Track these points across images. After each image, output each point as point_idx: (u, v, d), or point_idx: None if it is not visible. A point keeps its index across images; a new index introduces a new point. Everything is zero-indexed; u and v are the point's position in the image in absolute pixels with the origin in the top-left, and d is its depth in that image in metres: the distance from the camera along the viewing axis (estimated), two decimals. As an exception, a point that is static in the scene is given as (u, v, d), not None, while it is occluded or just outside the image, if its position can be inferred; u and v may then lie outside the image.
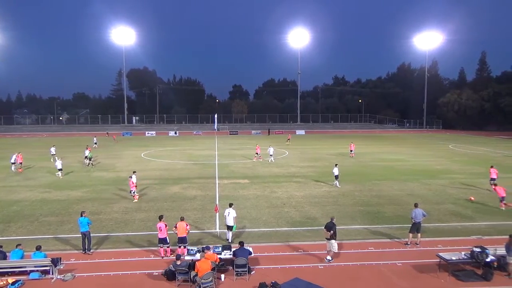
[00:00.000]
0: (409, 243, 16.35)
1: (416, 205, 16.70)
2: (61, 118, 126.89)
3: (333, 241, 14.53)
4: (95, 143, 57.88)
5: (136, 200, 24.22)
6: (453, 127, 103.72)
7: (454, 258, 13.64)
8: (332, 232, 14.54)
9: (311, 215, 21.05)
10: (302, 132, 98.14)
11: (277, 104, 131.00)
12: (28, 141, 62.72)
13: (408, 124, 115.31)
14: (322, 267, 14.21)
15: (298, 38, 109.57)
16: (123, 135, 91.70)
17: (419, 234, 16.26)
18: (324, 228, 14.87)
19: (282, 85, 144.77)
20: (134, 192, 24.76)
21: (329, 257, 14.61)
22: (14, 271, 13.50)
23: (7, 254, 13.95)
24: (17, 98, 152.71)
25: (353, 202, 23.83)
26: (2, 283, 12.74)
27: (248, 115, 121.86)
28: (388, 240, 17.10)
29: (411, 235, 16.31)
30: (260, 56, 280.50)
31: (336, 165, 29.56)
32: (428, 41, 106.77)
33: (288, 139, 67.30)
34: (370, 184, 29.30)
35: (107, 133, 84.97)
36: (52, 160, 40.23)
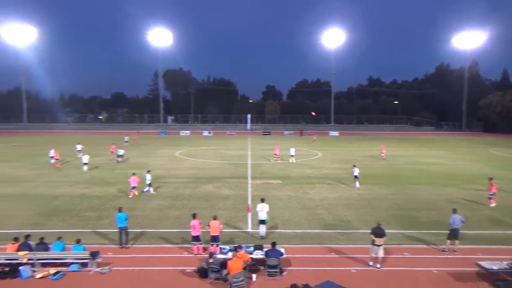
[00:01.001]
0: (446, 250, 15.77)
1: (454, 211, 16.10)
2: (100, 117, 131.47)
3: (382, 247, 14.17)
4: (126, 141, 59.58)
5: (131, 196, 25.06)
6: (495, 130, 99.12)
7: (495, 268, 13.04)
8: (385, 238, 14.23)
9: (344, 217, 20.73)
10: (335, 133, 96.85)
11: (310, 104, 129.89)
12: (69, 139, 65.36)
13: (446, 127, 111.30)
14: (355, 271, 13.96)
15: (333, 38, 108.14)
16: (158, 134, 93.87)
17: (457, 241, 15.66)
18: (373, 234, 14.24)
19: (315, 86, 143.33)
20: (134, 189, 25.66)
21: (378, 265, 14.19)
22: (55, 263, 14.10)
23: (49, 246, 14.59)
24: (61, 97, 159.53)
25: (388, 205, 23.27)
26: (44, 273, 13.35)
27: (281, 116, 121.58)
28: (424, 246, 16.57)
29: (448, 241, 15.73)
30: (294, 57, 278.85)
31: (354, 165, 29.73)
32: (468, 41, 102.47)
33: (314, 140, 67.43)
34: (405, 187, 28.52)
35: (138, 133, 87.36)
36: (78, 156, 42.15)
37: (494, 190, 23.25)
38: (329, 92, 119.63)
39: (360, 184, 28.93)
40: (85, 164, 35.10)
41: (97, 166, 37.81)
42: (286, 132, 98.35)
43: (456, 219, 15.58)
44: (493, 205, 22.97)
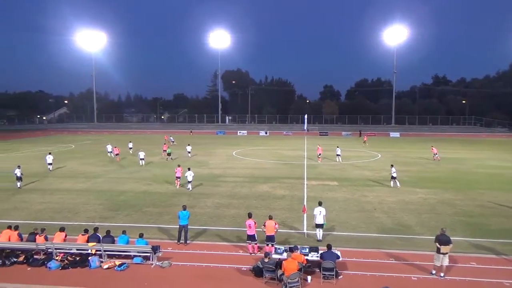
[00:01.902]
0: (520, 261, 14.56)
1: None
2: (162, 117, 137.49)
3: (447, 255, 13.43)
4: (173, 141, 62.30)
5: (177, 187, 28.04)
6: None
7: None
8: (451, 245, 13.52)
9: (404, 222, 19.87)
10: (396, 134, 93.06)
11: (370, 104, 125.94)
12: (134, 138, 69.14)
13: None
14: (416, 278, 13.32)
15: (395, 35, 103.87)
16: (216, 134, 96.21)
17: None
18: (438, 241, 13.53)
19: (375, 85, 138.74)
20: (178, 179, 28.44)
21: (442, 274, 13.45)
22: (120, 255, 14.99)
23: (115, 238, 15.53)
24: (126, 98, 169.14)
25: (453, 211, 21.94)
26: (110, 264, 14.24)
27: (338, 116, 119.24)
28: (494, 256, 15.40)
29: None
30: (353, 55, 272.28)
31: (392, 165, 29.67)
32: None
33: (364, 141, 66.45)
34: (473, 193, 26.71)
35: (191, 132, 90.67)
36: (130, 153, 48.49)
37: None
38: (390, 91, 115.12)
39: (423, 187, 27.63)
40: (142, 159, 39.08)
41: (158, 164, 39.57)
42: (344, 133, 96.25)
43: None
44: None
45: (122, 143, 54.57)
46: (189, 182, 27.49)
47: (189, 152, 46.37)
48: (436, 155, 43.74)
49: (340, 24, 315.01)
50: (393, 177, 28.68)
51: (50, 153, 37.75)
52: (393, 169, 28.90)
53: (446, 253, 13.36)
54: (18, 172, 28.21)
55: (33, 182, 30.19)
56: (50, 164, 36.02)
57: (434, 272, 13.58)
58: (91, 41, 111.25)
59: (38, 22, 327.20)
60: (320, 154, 42.82)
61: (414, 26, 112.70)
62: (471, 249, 16.15)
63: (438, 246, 13.45)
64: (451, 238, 13.79)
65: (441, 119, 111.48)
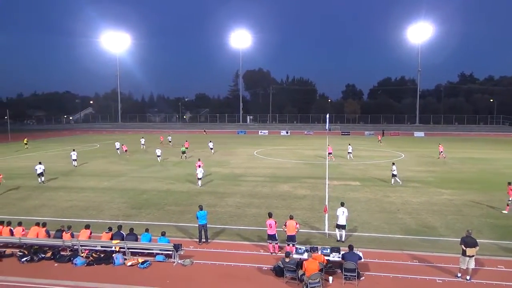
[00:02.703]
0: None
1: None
2: (184, 117, 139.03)
3: (473, 258, 13.08)
4: (170, 141, 61.65)
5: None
6: None
7: None
8: (477, 248, 13.17)
9: (429, 223, 19.45)
10: (421, 134, 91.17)
11: (393, 104, 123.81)
12: (156, 137, 70.17)
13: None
14: (441, 281, 13.01)
15: (419, 32, 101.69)
16: (238, 133, 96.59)
17: None
18: (464, 244, 13.17)
19: (399, 84, 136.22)
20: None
21: (468, 277, 13.10)
22: (143, 252, 15.25)
23: (138, 236, 15.80)
24: (150, 98, 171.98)
25: (480, 213, 21.33)
26: (134, 261, 14.50)
27: (361, 116, 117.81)
28: (524, 259, 14.87)
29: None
30: (376, 54, 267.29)
31: (393, 163, 30.03)
32: None
33: (379, 140, 66.37)
34: (500, 194, 25.78)
35: (205, 131, 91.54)
36: (142, 149, 53.43)
37: None
38: (415, 90, 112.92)
39: (448, 188, 27.02)
40: (159, 156, 41.74)
41: (181, 163, 40.07)
42: (366, 132, 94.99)
43: None
44: (505, 212, 21.22)
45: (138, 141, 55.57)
46: (199, 179, 28.62)
47: (211, 149, 48.83)
48: (442, 153, 44.21)
49: (363, 22, 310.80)
50: (393, 175, 29.04)
51: (74, 150, 39.99)
52: (394, 167, 29.22)
53: (472, 255, 13.00)
54: (39, 168, 29.77)
55: (60, 180, 31.09)
56: (74, 160, 38.49)
57: (459, 275, 13.24)
58: (116, 42, 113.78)
59: (65, 25, 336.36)
60: (330, 153, 42.84)
61: (439, 23, 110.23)
62: (499, 252, 15.66)
63: (464, 248, 13.11)
64: (477, 240, 13.41)
65: (467, 118, 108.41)
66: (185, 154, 44.08)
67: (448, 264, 14.17)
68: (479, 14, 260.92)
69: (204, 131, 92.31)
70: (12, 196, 25.92)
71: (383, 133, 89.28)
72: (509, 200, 21.53)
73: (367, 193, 26.13)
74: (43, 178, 29.88)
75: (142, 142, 55.51)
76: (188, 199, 24.89)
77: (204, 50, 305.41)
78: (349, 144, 46.18)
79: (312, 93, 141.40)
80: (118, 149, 49.96)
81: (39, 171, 29.76)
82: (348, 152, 44.22)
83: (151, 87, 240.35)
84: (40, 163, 30.45)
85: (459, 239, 13.70)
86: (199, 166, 30.18)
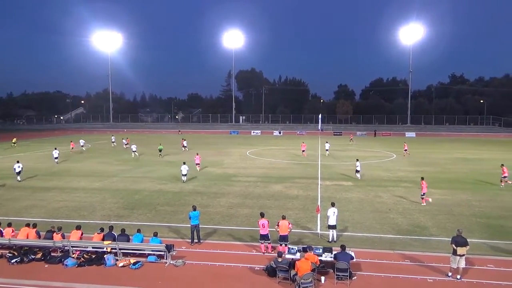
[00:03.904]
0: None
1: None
2: (177, 117, 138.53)
3: (463, 257, 13.21)
4: (126, 144, 57.86)
5: (199, 170, 33.97)
6: None
7: None
8: (468, 247, 13.29)
9: (420, 223, 19.60)
10: (412, 134, 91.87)
11: (385, 104, 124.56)
12: (149, 137, 70.07)
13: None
14: (432, 280, 13.12)
15: (411, 33, 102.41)
16: (230, 134, 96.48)
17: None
18: (454, 243, 13.28)
19: (391, 85, 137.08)
20: (198, 165, 34.83)
21: (458, 276, 13.19)
22: (135, 253, 15.15)
23: (130, 237, 15.70)
24: (142, 98, 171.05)
25: (471, 213, 21.54)
26: (125, 262, 14.40)
27: (353, 116, 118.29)
28: (512, 258, 15.07)
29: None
30: (368, 55, 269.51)
31: (357, 160, 32.91)
32: None
33: (351, 138, 69.84)
34: (491, 194, 26.19)
35: (179, 131, 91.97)
36: (125, 147, 54.98)
37: (425, 190, 23.44)
38: (406, 91, 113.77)
39: (440, 188, 27.27)
40: (134, 151, 45.65)
41: (174, 163, 39.90)
42: (358, 132, 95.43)
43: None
44: (423, 204, 23.20)
45: (137, 142, 55.29)
46: (183, 175, 30.17)
47: (185, 147, 52.18)
48: (406, 151, 47.49)
49: (355, 23, 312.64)
50: (357, 171, 31.54)
51: (56, 148, 41.56)
52: (358, 163, 31.78)
53: (463, 255, 13.13)
54: (17, 167, 30.39)
55: (51, 180, 30.80)
56: (56, 158, 40.12)
57: (450, 274, 13.36)
58: (107, 42, 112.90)
59: (56, 23, 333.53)
60: (304, 150, 47.18)
61: (430, 24, 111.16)
62: (488, 251, 15.83)
63: (455, 247, 13.23)
64: (468, 239, 13.54)
65: (458, 119, 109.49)
66: (160, 153, 46.23)
67: (439, 264, 14.29)
68: (470, 16, 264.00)
69: (179, 131, 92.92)
70: (1, 196, 25.60)
71: (375, 133, 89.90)
72: (503, 177, 27.97)
73: (359, 193, 26.25)
74: (19, 177, 30.49)
75: (125, 142, 57.27)
76: (180, 199, 24.80)
77: (196, 50, 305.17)
78: (327, 142, 50.24)
79: (304, 93, 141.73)
80: (113, 142, 56.66)
81: (17, 170, 30.38)
82: (326, 149, 48.16)
83: (143, 87, 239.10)
84: (18, 161, 31.11)
85: (450, 239, 13.82)
86: (199, 159, 35.17)
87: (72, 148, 50.41)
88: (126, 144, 56.63)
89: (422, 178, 24.00)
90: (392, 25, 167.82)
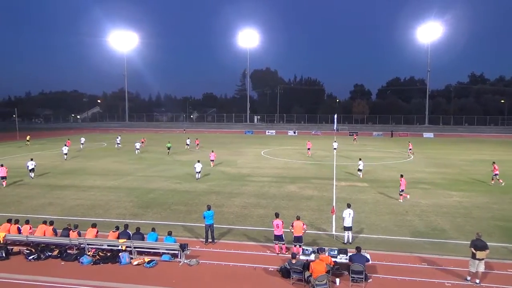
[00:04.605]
0: None
1: None
2: (191, 116, 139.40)
3: (483, 261, 12.95)
4: (118, 143, 58.28)
5: (212, 166, 36.54)
6: None
7: None
8: (488, 251, 13.04)
9: (438, 226, 19.28)
10: (430, 135, 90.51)
11: (402, 104, 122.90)
12: (164, 137, 70.73)
13: None
14: (450, 284, 12.89)
15: (429, 32, 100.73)
16: (245, 133, 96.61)
17: None
18: (474, 247, 13.05)
19: (408, 84, 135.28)
20: (213, 162, 37.59)
21: (477, 280, 12.94)
22: (149, 252, 15.31)
23: (144, 236, 15.86)
24: (157, 98, 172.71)
25: (490, 215, 21.10)
26: (140, 261, 14.56)
27: (369, 116, 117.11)
28: (535, 263, 14.68)
29: None
30: (385, 54, 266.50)
31: (360, 159, 33.44)
32: None
33: (354, 138, 70.46)
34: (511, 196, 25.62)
35: (184, 130, 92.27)
36: (119, 145, 56.73)
37: (403, 187, 24.31)
38: (424, 90, 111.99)
39: (458, 190, 26.81)
40: (137, 149, 48.43)
41: (188, 162, 40.13)
42: (375, 133, 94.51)
43: None
44: (401, 201, 24.13)
45: (151, 141, 55.85)
46: (197, 172, 31.07)
47: (187, 145, 54.25)
48: (410, 150, 48.23)
49: (372, 21, 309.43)
50: (359, 169, 32.27)
51: (65, 145, 44.41)
52: (360, 162, 32.59)
53: (482, 259, 12.87)
54: (30, 164, 31.62)
55: (67, 179, 31.35)
56: (65, 154, 42.66)
57: (469, 278, 13.11)
58: (123, 41, 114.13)
59: (73, 24, 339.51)
60: (309, 149, 48.00)
61: (449, 22, 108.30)
62: (509, 255, 15.48)
63: (474, 251, 12.97)
64: (487, 243, 13.26)
65: (477, 120, 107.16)
66: (169, 150, 47.80)
67: (457, 267, 14.04)
68: (490, 13, 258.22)
69: (184, 130, 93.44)
70: (20, 194, 26.18)
71: (391, 134, 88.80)
72: (494, 175, 28.89)
73: (375, 195, 25.98)
74: (32, 175, 31.48)
75: (118, 141, 57.92)
76: (195, 198, 24.94)
77: (211, 49, 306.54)
78: (335, 141, 50.35)
79: (320, 93, 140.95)
80: (118, 143, 56.93)
81: (30, 167, 31.50)
82: (334, 148, 48.76)
83: (158, 87, 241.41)
84: (31, 159, 32.29)
85: (469, 242, 13.57)
86: (214, 156, 37.87)
87: (67, 146, 47.45)
88: (118, 144, 57.25)
89: (402, 176, 24.74)
90: (410, 23, 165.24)
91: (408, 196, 24.55)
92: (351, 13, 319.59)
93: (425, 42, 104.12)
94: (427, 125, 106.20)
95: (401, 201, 23.97)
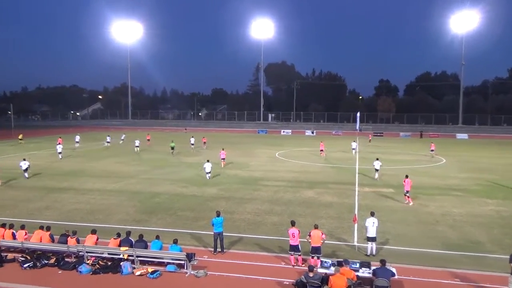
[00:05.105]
0: None
1: None
2: (200, 114, 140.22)
3: None
4: (108, 142, 58.61)
5: (223, 166, 38.39)
6: None
7: None
8: None
9: (473, 237, 18.99)
10: (464, 136, 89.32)
11: (433, 102, 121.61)
12: (169, 136, 71.20)
13: None
14: (486, 303, 12.68)
15: (463, 22, 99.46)
16: (258, 133, 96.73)
17: None
18: None
19: (440, 79, 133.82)
20: (224, 160, 39.10)
21: None
22: (153, 261, 15.39)
23: (148, 243, 15.96)
24: (162, 93, 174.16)
25: (532, 227, 20.69)
26: (143, 271, 14.64)
27: (396, 115, 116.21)
28: None
29: None
30: (413, 46, 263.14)
31: (377, 159, 34.28)
32: None
33: (370, 139, 71.14)
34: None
35: (185, 129, 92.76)
36: (120, 142, 59.98)
37: (408, 188, 25.11)
38: (458, 86, 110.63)
39: (497, 198, 26.37)
40: (137, 146, 50.97)
41: (196, 164, 40.36)
42: (402, 133, 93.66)
43: None
44: (411, 203, 24.84)
45: (155, 140, 56.33)
46: (207, 173, 32.46)
47: (192, 144, 54.45)
48: (433, 151, 48.70)
49: (399, 9, 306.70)
50: (376, 170, 33.25)
51: (59, 143, 46.07)
52: (377, 161, 33.52)
53: None
54: (23, 164, 32.71)
55: (65, 181, 31.82)
56: (60, 153, 43.86)
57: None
58: (127, 33, 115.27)
59: (72, 14, 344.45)
60: (322, 150, 48.91)
61: (486, 10, 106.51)
62: (554, 272, 15.15)
63: (515, 266, 12.74)
64: (529, 258, 13.00)
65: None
66: (173, 150, 49.01)
67: (495, 284, 13.80)
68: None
69: (185, 130, 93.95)
70: (15, 197, 26.64)
71: (421, 134, 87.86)
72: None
73: (402, 202, 25.73)
74: (26, 174, 32.58)
75: (112, 138, 59.87)
76: (203, 204, 25.04)
77: (222, 41, 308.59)
78: (354, 141, 51.45)
79: (341, 89, 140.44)
80: (122, 140, 61.14)
81: (24, 167, 32.63)
82: (352, 148, 50.55)
83: (164, 81, 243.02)
84: (24, 159, 33.36)
85: (508, 256, 13.32)
86: (225, 154, 39.26)
87: (60, 144, 46.89)
88: (108, 142, 58.06)
89: (407, 176, 25.52)
90: (442, 11, 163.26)
91: (411, 203, 24.91)
92: (375, 1, 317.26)
93: (459, 32, 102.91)
94: (461, 125, 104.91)
95: (411, 203, 24.81)
